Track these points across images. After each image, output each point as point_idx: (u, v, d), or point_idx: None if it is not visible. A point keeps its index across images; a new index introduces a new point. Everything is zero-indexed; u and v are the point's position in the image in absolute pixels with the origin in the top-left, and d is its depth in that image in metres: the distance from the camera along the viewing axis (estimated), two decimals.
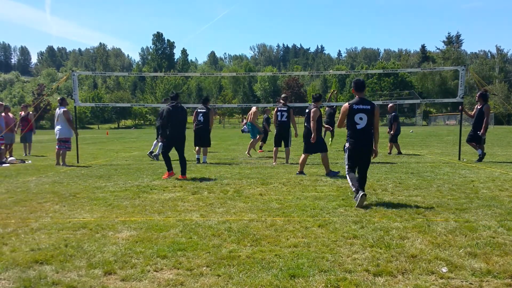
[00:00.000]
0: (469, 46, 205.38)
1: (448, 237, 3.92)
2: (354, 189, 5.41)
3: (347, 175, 5.72)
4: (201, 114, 10.38)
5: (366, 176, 5.69)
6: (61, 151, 10.31)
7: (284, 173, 8.61)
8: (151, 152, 11.93)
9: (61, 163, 10.28)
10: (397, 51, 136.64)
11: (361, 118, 5.47)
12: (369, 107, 5.50)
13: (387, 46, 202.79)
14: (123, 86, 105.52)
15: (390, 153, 12.64)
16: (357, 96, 5.63)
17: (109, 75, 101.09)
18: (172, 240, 3.90)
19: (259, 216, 4.83)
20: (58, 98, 11.19)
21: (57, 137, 10.31)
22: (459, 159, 10.73)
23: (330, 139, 15.74)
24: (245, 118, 68.01)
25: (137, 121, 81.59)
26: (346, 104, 5.63)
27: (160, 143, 11.25)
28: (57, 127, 10.30)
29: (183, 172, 7.95)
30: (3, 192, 6.59)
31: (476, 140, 10.37)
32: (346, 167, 5.77)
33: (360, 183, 5.54)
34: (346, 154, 5.75)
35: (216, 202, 5.65)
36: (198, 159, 10.73)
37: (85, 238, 4.02)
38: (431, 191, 6.27)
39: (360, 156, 5.60)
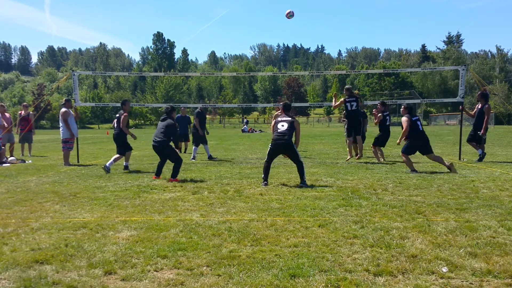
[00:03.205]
0: (469, 46, 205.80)
1: (448, 237, 3.92)
2: (263, 177, 7.22)
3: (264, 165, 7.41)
4: (116, 120, 9.79)
5: (301, 165, 7.14)
6: (64, 152, 10.40)
7: (284, 173, 8.61)
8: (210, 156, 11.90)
9: (63, 163, 10.33)
10: (397, 51, 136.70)
11: (282, 125, 7.33)
12: (290, 119, 7.41)
13: (387, 46, 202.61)
14: (124, 86, 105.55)
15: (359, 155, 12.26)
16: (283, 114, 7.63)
17: (109, 75, 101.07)
18: (173, 240, 3.90)
19: (259, 216, 4.83)
20: (64, 99, 11.31)
21: (61, 138, 10.53)
22: (460, 159, 10.73)
23: None
24: (245, 117, 68.26)
25: (137, 121, 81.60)
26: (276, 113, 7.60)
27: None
28: (60, 129, 10.54)
29: (173, 175, 7.69)
30: (3, 192, 6.59)
31: (477, 140, 10.37)
32: (267, 157, 7.42)
33: (299, 172, 7.13)
34: (268, 149, 7.41)
35: (216, 202, 5.65)
36: (126, 166, 9.51)
37: (85, 238, 4.02)
38: (431, 191, 6.26)
39: (280, 150, 7.37)
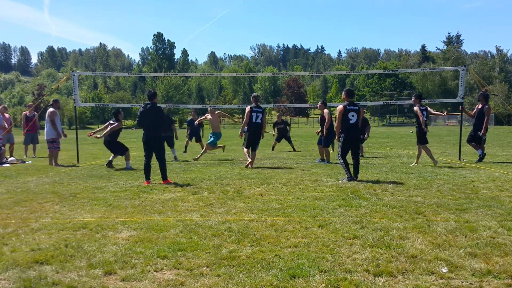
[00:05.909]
0: (469, 46, 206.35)
1: (448, 237, 3.92)
2: (347, 174, 7.33)
3: (340, 160, 7.55)
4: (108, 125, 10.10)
5: (358, 161, 7.55)
6: (52, 152, 10.33)
7: (284, 173, 8.61)
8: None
9: (54, 164, 10.28)
10: (397, 51, 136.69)
11: (353, 115, 7.40)
12: (357, 107, 7.53)
13: (387, 46, 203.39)
14: (123, 86, 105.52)
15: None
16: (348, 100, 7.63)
17: (109, 75, 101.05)
18: (172, 240, 3.90)
19: (259, 216, 4.83)
20: (52, 99, 11.26)
21: (45, 139, 10.40)
22: (459, 159, 10.73)
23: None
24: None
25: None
26: (341, 106, 7.44)
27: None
28: (45, 129, 10.42)
29: (164, 176, 7.48)
30: (3, 192, 6.59)
31: (476, 140, 10.37)
32: (340, 154, 7.57)
33: (355, 167, 7.45)
34: (341, 143, 7.52)
35: (216, 202, 5.65)
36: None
37: (85, 238, 4.02)
38: (431, 191, 6.26)
39: (352, 143, 7.53)
